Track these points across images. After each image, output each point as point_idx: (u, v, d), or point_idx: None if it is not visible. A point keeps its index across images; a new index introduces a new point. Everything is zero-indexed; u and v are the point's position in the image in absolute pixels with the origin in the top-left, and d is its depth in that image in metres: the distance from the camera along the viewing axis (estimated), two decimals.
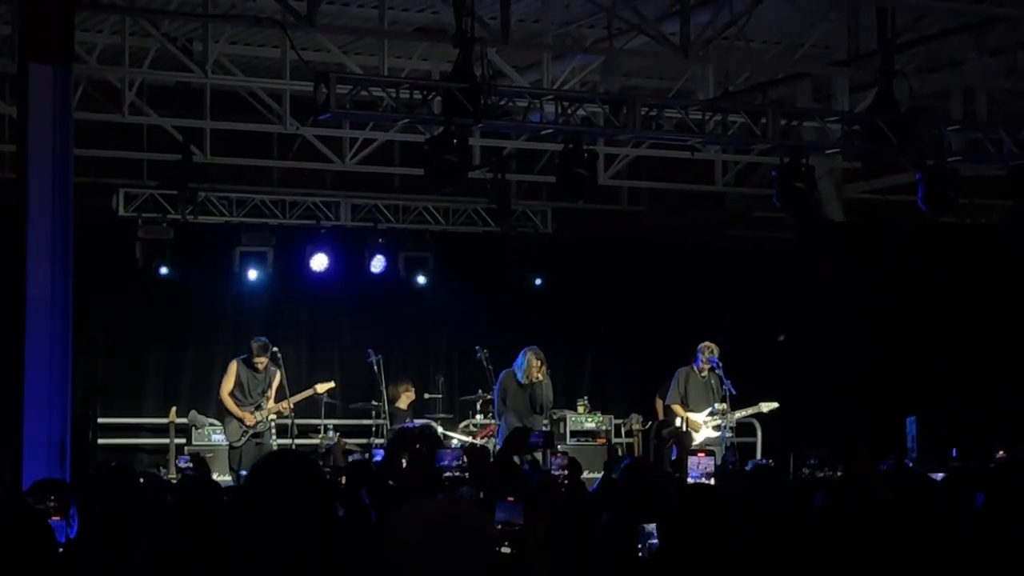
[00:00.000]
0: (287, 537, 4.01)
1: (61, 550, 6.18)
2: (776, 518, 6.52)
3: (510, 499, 5.50)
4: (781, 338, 20.03)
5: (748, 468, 13.85)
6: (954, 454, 14.63)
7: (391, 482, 9.03)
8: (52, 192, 11.90)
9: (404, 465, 11.73)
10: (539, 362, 17.06)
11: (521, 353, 17.16)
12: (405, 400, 18.22)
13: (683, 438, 16.72)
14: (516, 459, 12.28)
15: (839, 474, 12.54)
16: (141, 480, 9.55)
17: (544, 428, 16.53)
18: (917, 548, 4.34)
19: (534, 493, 7.16)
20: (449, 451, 10.52)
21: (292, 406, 17.03)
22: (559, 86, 16.09)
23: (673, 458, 15.80)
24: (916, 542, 4.35)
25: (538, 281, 19.79)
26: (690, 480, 10.60)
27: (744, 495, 8.75)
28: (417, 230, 19.83)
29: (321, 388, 17.45)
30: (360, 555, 4.03)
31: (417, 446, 13.10)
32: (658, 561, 4.47)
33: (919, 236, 19.68)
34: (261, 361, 16.88)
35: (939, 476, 9.07)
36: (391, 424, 17.58)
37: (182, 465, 12.73)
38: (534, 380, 17.00)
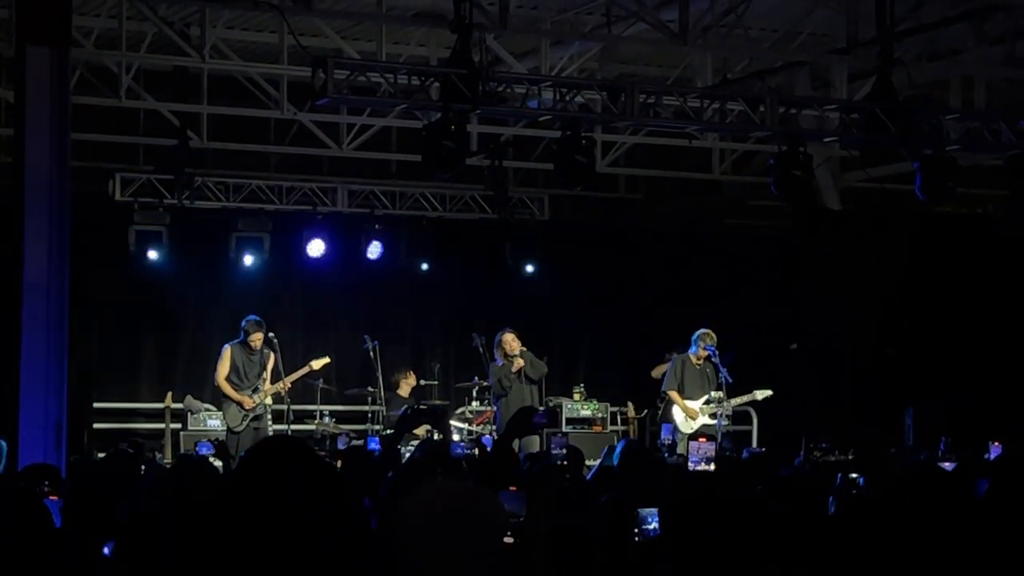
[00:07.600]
0: (280, 524, 3.95)
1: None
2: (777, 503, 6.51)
3: (512, 489, 5.41)
4: (793, 346, 19.96)
5: (744, 456, 13.84)
6: (942, 446, 14.50)
7: (391, 473, 8.92)
8: (49, 176, 11.86)
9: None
10: (512, 336, 16.98)
11: (495, 340, 17.14)
12: (406, 388, 18.17)
13: None
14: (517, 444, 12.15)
15: (850, 458, 12.49)
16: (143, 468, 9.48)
17: (544, 406, 16.45)
18: (930, 538, 4.32)
19: (535, 483, 7.09)
20: (462, 443, 10.42)
21: (289, 386, 16.96)
22: (557, 73, 16.05)
23: (665, 438, 15.81)
24: (928, 532, 4.34)
25: (531, 268, 19.79)
26: (690, 465, 10.57)
27: (742, 482, 8.73)
28: (414, 216, 19.82)
29: (316, 364, 17.34)
30: (357, 546, 3.97)
31: (427, 428, 12.96)
32: (658, 547, 4.42)
33: (916, 225, 19.65)
34: (257, 339, 16.70)
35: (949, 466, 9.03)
36: (387, 411, 17.56)
37: (204, 452, 12.73)
38: (512, 354, 16.89)
